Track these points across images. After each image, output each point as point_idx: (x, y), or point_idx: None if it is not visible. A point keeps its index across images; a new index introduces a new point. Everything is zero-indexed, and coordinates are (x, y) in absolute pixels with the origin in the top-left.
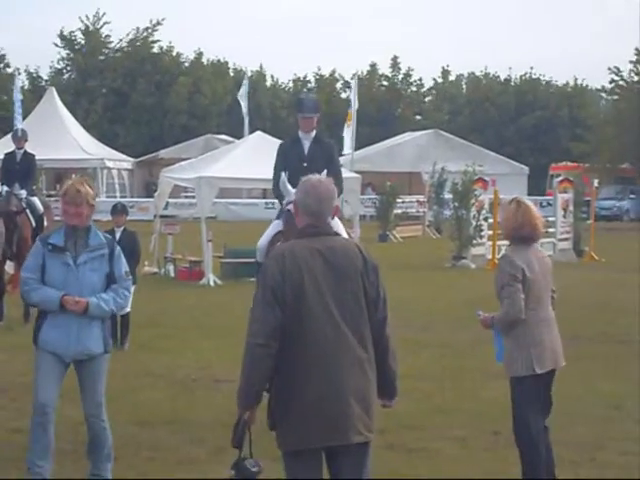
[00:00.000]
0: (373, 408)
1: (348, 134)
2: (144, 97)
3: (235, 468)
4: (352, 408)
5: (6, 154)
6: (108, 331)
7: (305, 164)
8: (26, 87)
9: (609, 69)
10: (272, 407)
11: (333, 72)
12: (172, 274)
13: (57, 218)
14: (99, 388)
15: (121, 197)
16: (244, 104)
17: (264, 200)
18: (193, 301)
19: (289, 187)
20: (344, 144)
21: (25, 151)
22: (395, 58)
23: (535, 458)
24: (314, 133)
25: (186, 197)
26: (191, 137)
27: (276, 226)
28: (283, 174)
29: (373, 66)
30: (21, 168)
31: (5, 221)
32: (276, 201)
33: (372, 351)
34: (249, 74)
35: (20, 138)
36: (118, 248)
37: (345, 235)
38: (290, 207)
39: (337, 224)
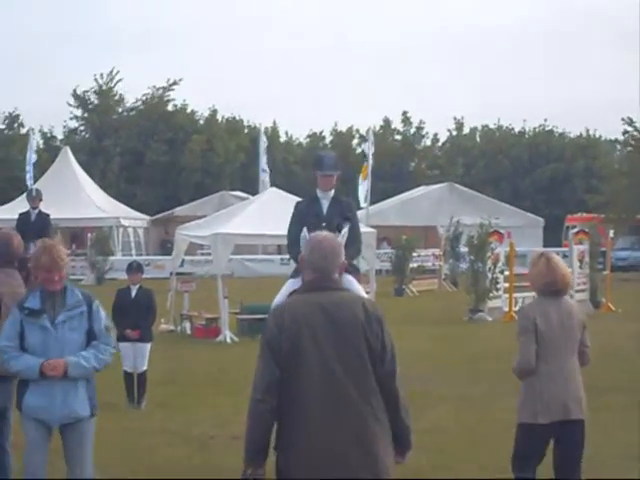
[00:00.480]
0: (383, 461)
1: (363, 189)
2: (158, 156)
3: None
4: (350, 459)
5: (20, 214)
6: (93, 392)
7: (324, 224)
8: (41, 146)
9: (622, 119)
10: (278, 463)
11: (350, 128)
12: (189, 331)
13: (72, 277)
14: (87, 455)
15: (137, 255)
16: (264, 159)
17: (279, 256)
18: (210, 358)
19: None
20: (359, 199)
21: (40, 211)
22: (405, 113)
23: None
24: (332, 192)
25: (202, 254)
26: (206, 194)
27: (292, 284)
28: (305, 229)
29: (386, 121)
30: (35, 227)
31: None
32: None
33: (379, 404)
34: (263, 130)
35: (35, 198)
36: (96, 303)
37: (361, 291)
38: None
39: (349, 280)
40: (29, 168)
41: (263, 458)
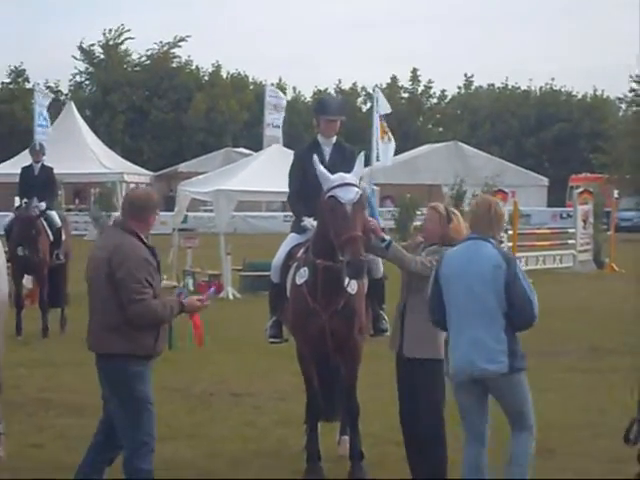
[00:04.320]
0: None
1: (389, 147)
2: (163, 113)
3: None
4: None
5: (23, 168)
6: None
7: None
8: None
9: (630, 77)
10: None
11: (354, 85)
12: (191, 287)
13: (75, 232)
14: None
15: None
16: (273, 115)
17: (283, 213)
18: (212, 314)
19: (327, 173)
20: (379, 157)
21: (43, 164)
22: (415, 70)
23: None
24: (335, 138)
25: (205, 210)
26: (210, 151)
27: (292, 240)
28: (315, 156)
29: (393, 79)
30: (38, 181)
31: (25, 226)
32: None
33: None
34: (269, 85)
35: (38, 151)
36: None
37: None
38: (334, 192)
39: None
40: (44, 122)
41: None
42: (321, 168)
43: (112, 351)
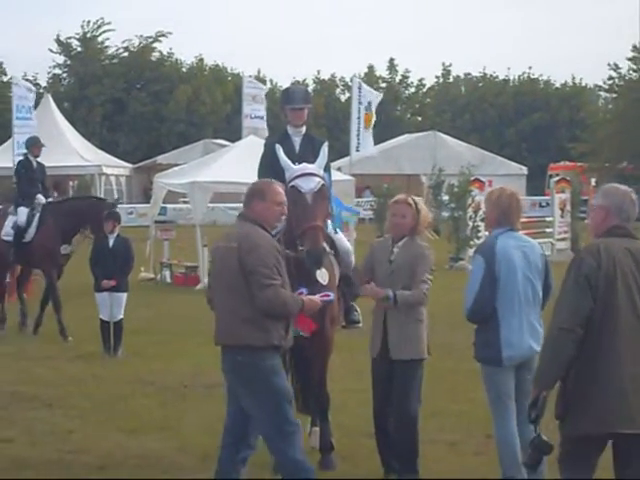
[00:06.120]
0: None
1: (367, 136)
2: (142, 105)
3: (533, 444)
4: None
5: (22, 161)
6: None
7: (297, 163)
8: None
9: (608, 65)
10: (567, 394)
11: (333, 75)
12: (168, 280)
13: None
14: None
15: (118, 203)
16: (251, 106)
17: None
18: (189, 307)
19: (290, 163)
20: (357, 146)
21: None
22: (392, 60)
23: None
24: (304, 129)
25: (184, 202)
26: (189, 143)
27: None
28: (278, 145)
29: (371, 68)
30: (39, 176)
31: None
32: None
33: None
34: (247, 77)
35: (40, 146)
36: None
37: (344, 238)
38: (295, 183)
39: (339, 237)
40: (28, 115)
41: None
42: (284, 157)
43: (246, 342)
